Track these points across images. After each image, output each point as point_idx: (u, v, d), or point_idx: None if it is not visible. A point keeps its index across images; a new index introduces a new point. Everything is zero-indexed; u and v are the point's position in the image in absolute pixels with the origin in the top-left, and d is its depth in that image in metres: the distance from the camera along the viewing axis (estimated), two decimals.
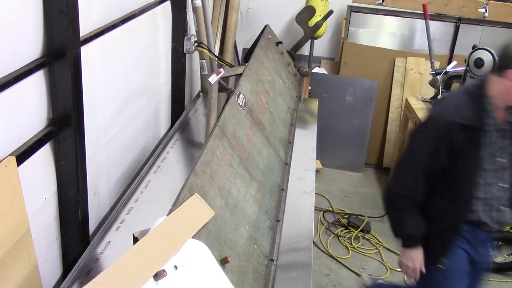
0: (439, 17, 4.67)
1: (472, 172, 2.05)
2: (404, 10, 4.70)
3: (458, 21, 4.69)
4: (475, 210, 2.09)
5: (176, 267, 1.37)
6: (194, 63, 3.79)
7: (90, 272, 1.83)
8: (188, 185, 1.63)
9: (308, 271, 1.96)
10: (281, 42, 3.67)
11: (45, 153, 1.88)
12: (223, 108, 2.28)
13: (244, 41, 4.89)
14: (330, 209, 4.17)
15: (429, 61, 4.06)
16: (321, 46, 5.02)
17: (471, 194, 2.07)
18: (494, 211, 2.11)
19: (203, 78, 3.57)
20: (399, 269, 2.35)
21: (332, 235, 3.85)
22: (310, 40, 4.46)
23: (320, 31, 4.39)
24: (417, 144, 2.14)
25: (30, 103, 1.78)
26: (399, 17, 4.80)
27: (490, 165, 2.06)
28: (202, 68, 3.37)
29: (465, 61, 3.50)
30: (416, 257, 2.18)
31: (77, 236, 2.06)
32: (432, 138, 2.05)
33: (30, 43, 1.73)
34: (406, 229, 2.16)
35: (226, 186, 1.88)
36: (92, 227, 2.24)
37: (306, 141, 2.98)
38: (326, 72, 4.97)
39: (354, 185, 4.56)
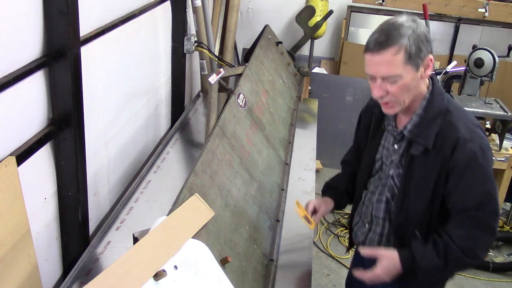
0: (439, 17, 4.67)
1: None
2: (404, 10, 4.70)
3: (458, 21, 4.69)
4: None
5: (176, 267, 1.37)
6: (194, 63, 3.79)
7: (90, 272, 1.83)
8: (188, 185, 1.63)
9: (308, 271, 1.96)
10: (281, 42, 3.67)
11: (45, 153, 1.88)
12: (223, 108, 2.28)
13: (244, 41, 4.89)
14: None
15: None
16: (321, 46, 5.02)
17: None
18: None
19: (203, 78, 3.57)
20: None
21: (332, 235, 3.85)
22: (310, 40, 4.46)
23: (320, 31, 4.39)
24: None
25: (30, 103, 1.78)
26: None
27: None
28: (202, 68, 3.37)
29: (465, 61, 3.50)
30: (318, 200, 2.00)
31: (77, 236, 2.06)
32: None
33: (30, 43, 1.73)
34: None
35: (226, 186, 1.88)
36: (92, 227, 2.24)
37: (306, 141, 2.98)
38: (326, 72, 4.97)
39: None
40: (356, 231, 1.94)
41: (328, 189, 2.08)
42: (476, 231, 1.62)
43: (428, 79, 1.65)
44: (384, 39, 1.52)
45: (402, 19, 1.56)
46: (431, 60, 1.58)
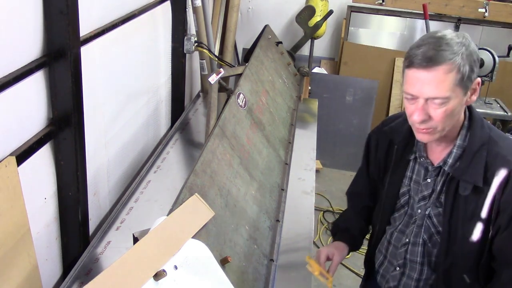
0: (439, 17, 4.67)
1: None
2: (404, 10, 4.71)
3: (458, 21, 4.69)
4: None
5: (176, 267, 1.37)
6: (194, 63, 3.79)
7: (90, 272, 1.83)
8: (188, 185, 1.63)
9: (308, 271, 1.96)
10: (281, 42, 3.67)
11: (45, 153, 1.88)
12: (223, 108, 2.28)
13: (244, 41, 4.89)
14: (330, 209, 4.17)
15: None
16: (321, 46, 5.02)
17: None
18: None
19: (203, 78, 3.57)
20: None
21: None
22: (310, 40, 4.46)
23: (320, 31, 4.40)
24: None
25: (30, 103, 1.78)
26: (399, 17, 4.80)
27: None
28: (202, 68, 3.37)
29: None
30: (330, 247, 1.78)
31: (77, 236, 2.06)
32: None
33: (30, 43, 1.73)
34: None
35: (226, 186, 1.88)
36: (92, 227, 2.24)
37: (306, 141, 2.98)
38: (326, 72, 4.97)
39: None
40: (384, 274, 1.73)
41: (339, 232, 1.86)
42: None
43: None
44: (434, 53, 1.30)
45: (452, 34, 1.36)
46: (478, 83, 1.39)
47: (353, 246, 1.81)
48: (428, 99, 1.34)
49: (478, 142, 1.43)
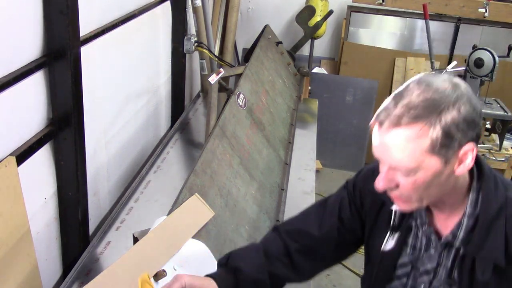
0: (439, 17, 4.67)
1: None
2: (404, 10, 4.70)
3: (458, 21, 4.69)
4: None
5: (176, 267, 1.37)
6: (194, 63, 3.79)
7: (90, 272, 1.83)
8: (188, 185, 1.63)
9: None
10: (281, 42, 3.67)
11: (45, 153, 1.88)
12: (223, 108, 2.28)
13: (244, 41, 4.89)
14: None
15: (429, 61, 4.06)
16: (321, 46, 5.02)
17: None
18: None
19: (203, 78, 3.56)
20: None
21: None
22: (310, 40, 4.46)
23: (320, 31, 4.39)
24: None
25: (30, 103, 1.78)
26: (399, 17, 4.80)
27: None
28: (202, 68, 3.36)
29: (465, 61, 3.51)
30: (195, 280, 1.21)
31: (77, 236, 2.06)
32: None
33: (30, 43, 1.73)
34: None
35: (226, 186, 1.88)
36: (92, 227, 2.24)
37: (306, 141, 2.98)
38: (326, 72, 4.97)
39: None
40: None
41: (225, 264, 1.31)
42: None
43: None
44: (402, 110, 1.03)
45: (444, 84, 1.03)
46: (472, 150, 1.04)
47: None
48: (392, 168, 1.07)
49: (494, 207, 1.10)
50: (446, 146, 1.01)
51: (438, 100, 1.00)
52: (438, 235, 1.20)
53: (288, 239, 1.36)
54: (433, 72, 0.98)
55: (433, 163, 1.02)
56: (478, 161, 1.13)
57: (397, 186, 1.08)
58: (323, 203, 1.42)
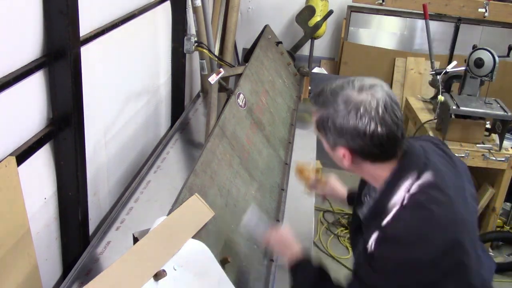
0: (439, 17, 4.67)
1: None
2: (404, 10, 4.70)
3: (458, 21, 4.69)
4: None
5: (176, 267, 1.37)
6: (194, 63, 3.79)
7: (90, 272, 1.83)
8: (188, 185, 1.63)
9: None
10: (281, 42, 3.67)
11: (45, 153, 1.88)
12: (223, 108, 2.28)
13: (244, 41, 4.89)
14: (330, 209, 4.17)
15: (429, 61, 4.06)
16: (321, 46, 5.02)
17: None
18: None
19: (203, 78, 3.56)
20: None
21: (332, 235, 3.85)
22: (310, 40, 4.46)
23: (320, 31, 4.39)
24: None
25: (30, 103, 1.78)
26: (399, 17, 4.80)
27: None
28: (202, 68, 3.36)
29: (465, 61, 3.50)
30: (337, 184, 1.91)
31: (77, 236, 2.06)
32: None
33: (30, 43, 1.73)
34: None
35: (226, 186, 1.88)
36: (92, 227, 2.24)
37: (306, 141, 2.98)
38: (326, 72, 4.97)
39: (354, 185, 4.55)
40: None
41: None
42: None
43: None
44: (316, 93, 1.35)
45: (362, 94, 1.26)
46: (344, 155, 1.34)
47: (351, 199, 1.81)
48: None
49: (388, 200, 1.31)
50: (323, 133, 1.34)
51: (329, 100, 1.29)
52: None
53: None
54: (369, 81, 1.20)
55: (322, 139, 1.38)
56: (404, 156, 1.33)
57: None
58: None
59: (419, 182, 1.29)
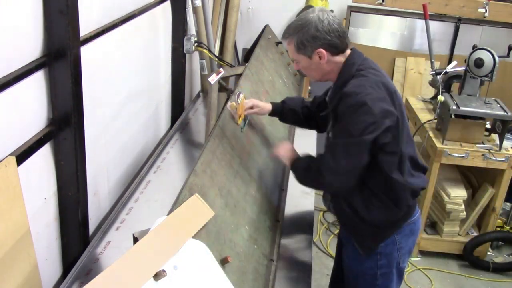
0: (439, 17, 4.67)
1: None
2: (404, 10, 4.70)
3: (458, 21, 4.69)
4: None
5: (176, 267, 1.37)
6: (194, 63, 3.79)
7: (90, 272, 1.83)
8: (188, 185, 1.63)
9: (308, 271, 1.96)
10: (281, 42, 3.67)
11: (45, 153, 1.88)
12: (223, 108, 2.28)
13: (244, 41, 4.89)
14: None
15: (429, 61, 4.06)
16: None
17: None
18: None
19: (203, 78, 3.57)
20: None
21: (332, 235, 3.85)
22: None
23: None
24: None
25: (30, 103, 1.78)
26: (399, 17, 4.79)
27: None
28: (202, 68, 3.37)
29: (465, 61, 3.50)
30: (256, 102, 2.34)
31: (77, 236, 2.06)
32: None
33: (30, 43, 1.73)
34: None
35: (226, 186, 1.88)
36: (92, 227, 2.24)
37: (306, 141, 2.98)
38: None
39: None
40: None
41: (281, 102, 2.35)
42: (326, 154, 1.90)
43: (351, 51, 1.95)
44: (285, 30, 1.97)
45: (312, 14, 1.90)
46: (319, 52, 1.89)
47: (277, 114, 2.36)
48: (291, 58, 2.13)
49: (342, 79, 1.93)
50: (303, 49, 1.91)
51: (298, 26, 1.90)
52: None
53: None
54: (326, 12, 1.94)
55: (302, 57, 1.94)
56: (352, 53, 1.96)
57: (300, 68, 2.02)
58: None
59: (363, 64, 1.93)
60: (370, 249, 1.99)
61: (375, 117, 1.76)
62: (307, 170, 1.98)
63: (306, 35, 1.88)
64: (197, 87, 3.94)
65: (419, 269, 3.58)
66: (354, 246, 2.03)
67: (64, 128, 1.89)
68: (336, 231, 3.89)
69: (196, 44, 3.03)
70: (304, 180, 2.03)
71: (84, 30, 2.01)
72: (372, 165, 1.85)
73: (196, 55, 3.49)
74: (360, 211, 1.93)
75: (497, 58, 3.37)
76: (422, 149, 3.56)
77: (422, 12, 4.10)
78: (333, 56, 1.91)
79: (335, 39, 1.88)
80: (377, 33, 4.89)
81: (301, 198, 2.43)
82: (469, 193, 3.61)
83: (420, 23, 4.66)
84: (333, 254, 3.63)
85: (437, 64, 4.38)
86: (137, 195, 2.32)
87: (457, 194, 3.49)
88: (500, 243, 3.79)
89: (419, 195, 2.06)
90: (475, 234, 3.67)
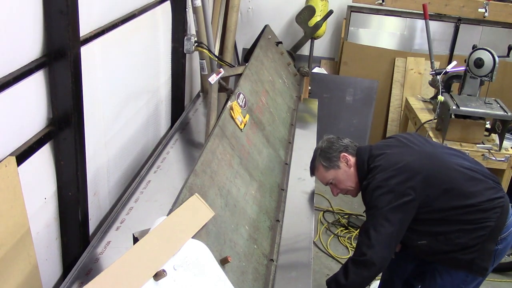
0: (439, 17, 4.67)
1: None
2: (404, 10, 4.71)
3: (458, 21, 4.69)
4: None
5: (176, 267, 1.37)
6: (194, 63, 3.79)
7: (90, 272, 1.83)
8: (188, 185, 1.63)
9: (308, 271, 1.96)
10: (281, 42, 3.67)
11: (45, 153, 1.88)
12: (223, 108, 2.28)
13: (244, 41, 4.89)
14: (330, 209, 4.17)
15: (429, 61, 4.06)
16: (321, 46, 5.02)
17: None
18: None
19: (203, 78, 3.56)
20: None
21: (332, 235, 3.85)
22: (310, 40, 4.46)
23: (320, 31, 4.40)
24: None
25: (30, 103, 1.78)
26: (399, 17, 4.80)
27: None
28: (202, 68, 3.37)
29: (465, 61, 3.50)
30: None
31: (77, 236, 2.06)
32: None
33: (30, 43, 1.73)
34: None
35: (226, 186, 1.88)
36: (92, 227, 2.24)
37: (306, 141, 2.98)
38: (326, 72, 4.97)
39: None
40: None
41: None
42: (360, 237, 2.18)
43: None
44: (310, 168, 2.37)
45: (317, 148, 2.33)
46: (342, 157, 2.25)
47: None
48: (327, 184, 2.35)
49: (361, 175, 2.24)
50: (329, 163, 2.27)
51: (315, 155, 2.33)
52: None
53: None
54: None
55: (331, 173, 2.29)
56: (357, 154, 2.28)
57: (338, 188, 2.34)
58: None
59: (372, 156, 2.22)
60: (486, 269, 2.17)
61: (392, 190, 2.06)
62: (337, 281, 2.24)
63: (324, 151, 2.26)
64: (197, 87, 3.94)
65: None
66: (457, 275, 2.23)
67: (64, 128, 1.89)
68: (336, 231, 3.89)
69: (196, 44, 3.03)
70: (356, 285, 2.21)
71: (84, 30, 2.01)
72: (429, 222, 2.13)
73: (196, 55, 3.50)
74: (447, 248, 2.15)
75: (497, 58, 3.37)
76: None
77: (422, 12, 4.10)
78: (351, 157, 2.25)
79: (350, 143, 2.30)
80: (377, 33, 4.90)
81: (301, 198, 2.43)
82: None
83: (420, 23, 4.66)
84: (333, 254, 3.63)
85: (437, 64, 4.39)
86: (137, 195, 2.31)
87: None
88: None
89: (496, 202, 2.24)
90: None
